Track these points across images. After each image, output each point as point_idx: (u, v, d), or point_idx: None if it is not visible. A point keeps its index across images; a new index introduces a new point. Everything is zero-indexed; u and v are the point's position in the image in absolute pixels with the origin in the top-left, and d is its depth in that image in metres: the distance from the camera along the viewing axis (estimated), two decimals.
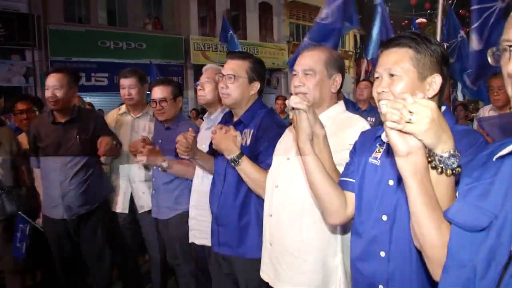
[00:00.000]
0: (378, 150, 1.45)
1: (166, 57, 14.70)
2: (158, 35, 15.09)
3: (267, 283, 1.92)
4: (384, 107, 1.00)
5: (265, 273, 1.93)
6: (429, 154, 1.01)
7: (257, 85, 2.21)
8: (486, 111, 4.03)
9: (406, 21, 19.41)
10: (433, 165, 1.01)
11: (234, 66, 2.20)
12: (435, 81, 1.34)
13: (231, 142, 1.99)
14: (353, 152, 1.57)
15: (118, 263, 3.40)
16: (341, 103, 1.96)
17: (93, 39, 12.91)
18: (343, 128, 1.79)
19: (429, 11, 17.94)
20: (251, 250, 2.09)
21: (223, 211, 2.19)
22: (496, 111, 3.82)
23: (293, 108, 1.49)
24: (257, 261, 2.00)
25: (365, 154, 1.50)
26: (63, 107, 2.93)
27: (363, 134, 1.61)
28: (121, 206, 3.21)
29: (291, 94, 1.78)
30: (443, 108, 1.40)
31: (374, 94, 1.42)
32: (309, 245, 1.76)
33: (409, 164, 0.99)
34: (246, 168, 2.00)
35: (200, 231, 2.59)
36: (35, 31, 12.33)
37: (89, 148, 2.95)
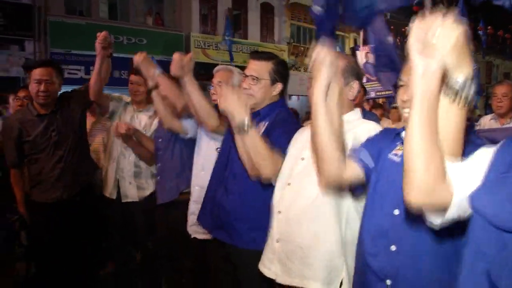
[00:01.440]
0: (399, 148, 1.46)
1: (166, 53, 14.58)
2: (158, 31, 15.03)
3: (265, 278, 1.93)
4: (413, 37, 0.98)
5: (268, 269, 1.92)
6: (446, 81, 1.01)
7: (279, 86, 2.20)
8: (487, 120, 4.07)
9: (406, 27, 19.49)
10: (448, 92, 1.02)
11: (257, 67, 2.18)
12: (353, 86, 1.45)
13: (242, 104, 1.86)
14: (365, 144, 1.58)
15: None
16: (357, 111, 1.94)
17: (93, 33, 12.46)
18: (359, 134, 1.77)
19: None
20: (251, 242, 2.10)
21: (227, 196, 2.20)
22: (496, 120, 3.86)
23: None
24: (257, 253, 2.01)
25: (384, 150, 1.51)
26: (51, 101, 2.92)
27: (384, 131, 1.63)
28: (109, 191, 3.26)
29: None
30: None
31: (399, 102, 1.44)
32: (319, 241, 1.76)
33: (423, 85, 0.98)
34: (255, 137, 1.88)
35: (200, 226, 2.58)
36: (36, 22, 12.27)
37: (75, 132, 3.06)
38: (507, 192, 0.93)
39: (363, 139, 1.67)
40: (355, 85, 1.86)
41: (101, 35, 3.01)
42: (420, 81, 0.98)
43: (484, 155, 1.03)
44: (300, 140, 1.97)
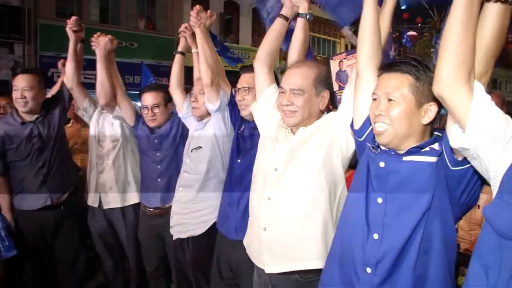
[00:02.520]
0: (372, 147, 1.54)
1: (157, 57, 14.62)
2: (150, 35, 15.05)
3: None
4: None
5: (258, 260, 1.94)
6: None
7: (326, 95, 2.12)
8: None
9: (397, 33, 19.64)
10: None
11: (250, 79, 2.33)
12: (431, 109, 1.40)
13: None
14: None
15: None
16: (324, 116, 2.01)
17: (84, 36, 12.93)
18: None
19: (419, 25, 18.19)
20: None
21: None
22: None
23: None
24: None
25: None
26: (32, 108, 2.91)
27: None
28: (91, 199, 3.21)
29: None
30: (440, 134, 1.46)
31: (371, 115, 1.48)
32: (314, 219, 1.80)
33: None
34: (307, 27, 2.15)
35: (184, 225, 2.67)
36: (25, 25, 12.22)
37: (57, 136, 3.03)
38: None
39: (328, 126, 1.86)
40: (326, 95, 1.91)
41: (71, 19, 3.02)
42: None
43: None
44: (268, 150, 2.00)
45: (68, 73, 3.05)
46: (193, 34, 2.85)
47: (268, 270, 1.88)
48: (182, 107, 2.89)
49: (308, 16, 2.13)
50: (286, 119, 1.91)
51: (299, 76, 1.88)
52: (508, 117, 1.16)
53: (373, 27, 1.57)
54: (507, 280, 1.04)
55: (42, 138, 2.96)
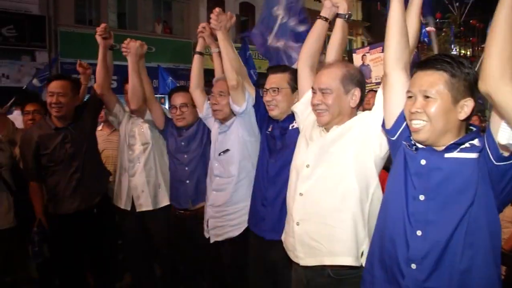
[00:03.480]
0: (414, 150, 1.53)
1: (175, 60, 14.76)
2: (167, 39, 15.18)
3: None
4: None
5: (293, 254, 1.97)
6: None
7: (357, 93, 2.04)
8: None
9: None
10: None
11: (277, 80, 2.38)
12: (467, 105, 1.41)
13: None
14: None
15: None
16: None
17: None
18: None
19: (438, 20, 17.92)
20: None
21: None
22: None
23: None
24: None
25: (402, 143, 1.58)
26: (66, 114, 2.97)
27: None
28: (123, 202, 3.26)
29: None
30: (474, 129, 1.48)
31: (406, 113, 1.48)
32: (344, 215, 1.82)
33: None
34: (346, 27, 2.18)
35: (220, 228, 2.69)
36: (46, 33, 12.46)
37: (89, 141, 3.13)
38: None
39: (361, 126, 1.86)
40: (357, 92, 1.92)
41: (100, 26, 3.11)
42: None
43: None
44: (303, 148, 2.03)
45: (98, 80, 3.13)
46: (212, 34, 2.89)
47: (302, 262, 1.92)
48: (203, 107, 2.92)
49: (347, 17, 2.14)
50: (319, 118, 1.96)
51: (327, 76, 1.93)
52: None
53: (399, 28, 1.58)
54: None
55: (75, 143, 3.02)
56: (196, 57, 3.03)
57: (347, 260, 1.80)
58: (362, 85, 1.96)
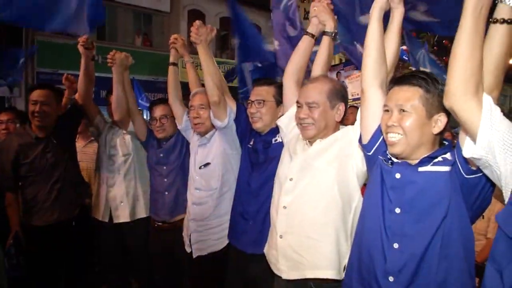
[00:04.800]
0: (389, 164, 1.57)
1: (154, 73, 14.68)
2: (147, 51, 15.12)
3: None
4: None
5: (276, 266, 1.97)
6: None
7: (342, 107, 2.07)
8: None
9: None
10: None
11: (262, 92, 2.39)
12: (441, 119, 1.47)
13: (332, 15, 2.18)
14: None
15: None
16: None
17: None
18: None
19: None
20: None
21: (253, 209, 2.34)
22: None
23: None
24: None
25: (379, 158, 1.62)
26: (47, 123, 2.92)
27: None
28: (100, 214, 3.22)
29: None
30: (446, 143, 1.54)
31: (383, 126, 1.53)
32: (327, 228, 1.83)
33: None
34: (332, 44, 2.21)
35: (203, 242, 2.67)
36: (23, 41, 12.26)
37: (69, 152, 3.09)
38: None
39: (344, 140, 1.89)
40: (341, 107, 1.96)
41: (82, 37, 3.11)
42: None
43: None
44: (286, 161, 2.05)
45: (80, 90, 3.12)
46: (184, 45, 2.90)
47: (285, 276, 1.92)
48: (182, 119, 2.91)
49: (333, 34, 2.18)
50: (304, 132, 1.98)
51: (313, 91, 1.96)
52: None
53: (377, 46, 1.64)
54: None
55: (56, 153, 2.98)
56: (171, 69, 3.03)
57: (330, 273, 1.82)
58: (346, 100, 2.00)
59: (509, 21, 1.21)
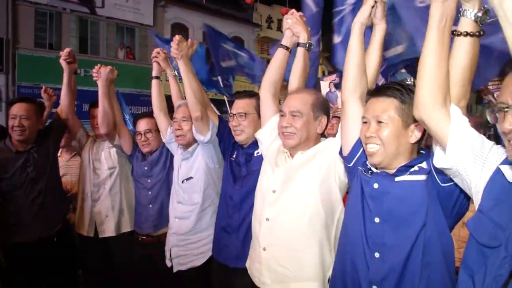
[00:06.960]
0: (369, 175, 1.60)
1: (137, 86, 14.66)
2: (129, 64, 15.11)
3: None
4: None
5: (259, 280, 1.96)
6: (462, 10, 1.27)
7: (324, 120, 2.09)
8: None
9: None
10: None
11: (244, 105, 2.40)
12: (417, 129, 1.50)
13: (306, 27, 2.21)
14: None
15: None
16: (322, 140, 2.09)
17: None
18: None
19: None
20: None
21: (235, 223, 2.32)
22: None
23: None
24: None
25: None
26: (28, 137, 2.89)
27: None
28: (85, 229, 3.18)
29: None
30: (423, 152, 1.57)
31: (362, 138, 1.57)
32: (311, 240, 1.84)
33: (442, 8, 1.25)
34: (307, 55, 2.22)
35: (183, 257, 2.64)
36: (3, 55, 12.12)
37: (51, 166, 3.03)
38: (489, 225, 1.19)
39: (326, 152, 1.92)
40: (324, 120, 1.99)
41: (65, 51, 3.09)
42: (441, 6, 1.25)
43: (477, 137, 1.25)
44: (268, 173, 2.06)
45: (63, 104, 3.10)
46: (166, 58, 2.92)
47: None
48: (166, 132, 2.91)
49: (307, 46, 2.21)
50: (286, 140, 1.99)
51: (298, 100, 1.98)
52: (484, 137, 1.26)
53: (357, 60, 1.68)
54: (491, 285, 1.11)
55: (37, 167, 2.93)
56: (154, 82, 3.01)
57: (314, 285, 1.82)
58: (328, 114, 2.03)
59: (471, 34, 1.26)
